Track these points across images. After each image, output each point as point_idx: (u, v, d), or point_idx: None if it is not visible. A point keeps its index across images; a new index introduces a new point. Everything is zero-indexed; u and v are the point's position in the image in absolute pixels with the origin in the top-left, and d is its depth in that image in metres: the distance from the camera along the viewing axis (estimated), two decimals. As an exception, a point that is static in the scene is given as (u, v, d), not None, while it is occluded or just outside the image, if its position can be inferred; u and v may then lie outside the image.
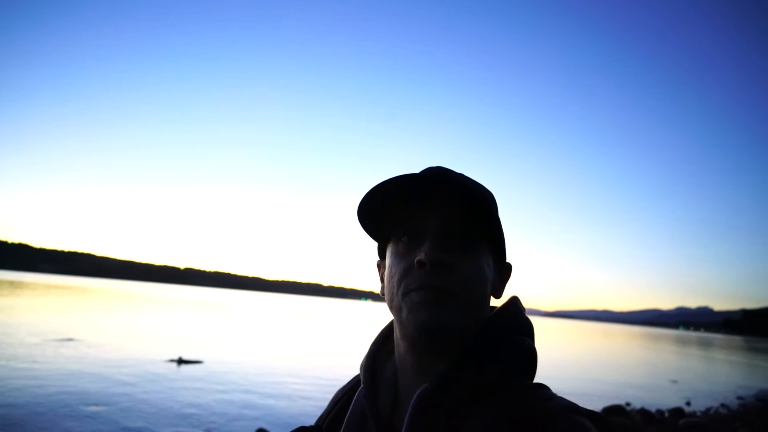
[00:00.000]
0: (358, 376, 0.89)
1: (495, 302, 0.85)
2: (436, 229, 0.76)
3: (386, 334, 0.89)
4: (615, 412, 11.56)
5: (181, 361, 14.28)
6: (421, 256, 0.73)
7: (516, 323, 0.79)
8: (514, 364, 0.74)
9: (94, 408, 8.68)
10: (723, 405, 15.32)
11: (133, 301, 56.06)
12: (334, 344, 25.89)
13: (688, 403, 15.04)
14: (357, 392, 0.83)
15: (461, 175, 0.82)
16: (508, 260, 0.87)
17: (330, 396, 0.94)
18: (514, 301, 0.83)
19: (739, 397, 17.37)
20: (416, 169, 0.80)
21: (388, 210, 0.79)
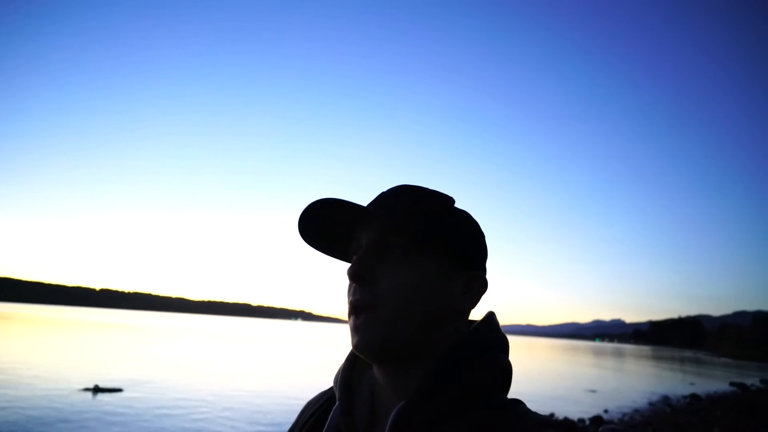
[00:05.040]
0: (331, 389, 0.86)
1: (474, 316, 0.84)
2: (365, 244, 0.78)
3: None
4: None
5: (97, 390, 13.25)
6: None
7: (491, 339, 0.79)
8: (490, 380, 0.74)
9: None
10: (636, 411, 16.41)
11: (43, 326, 51.30)
12: (261, 366, 25.11)
13: (606, 411, 15.97)
14: (333, 408, 0.81)
15: (399, 187, 0.83)
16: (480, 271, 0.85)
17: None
18: (490, 317, 0.82)
19: (650, 403, 18.68)
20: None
21: (333, 237, 0.82)
